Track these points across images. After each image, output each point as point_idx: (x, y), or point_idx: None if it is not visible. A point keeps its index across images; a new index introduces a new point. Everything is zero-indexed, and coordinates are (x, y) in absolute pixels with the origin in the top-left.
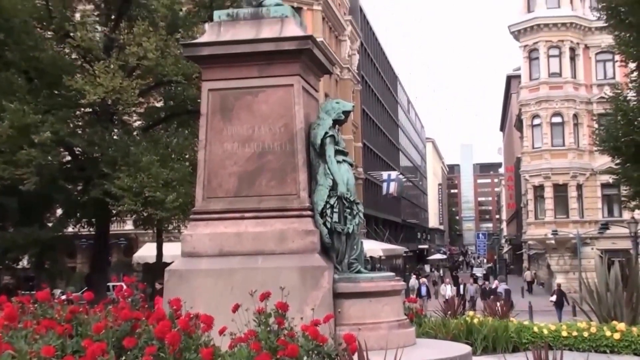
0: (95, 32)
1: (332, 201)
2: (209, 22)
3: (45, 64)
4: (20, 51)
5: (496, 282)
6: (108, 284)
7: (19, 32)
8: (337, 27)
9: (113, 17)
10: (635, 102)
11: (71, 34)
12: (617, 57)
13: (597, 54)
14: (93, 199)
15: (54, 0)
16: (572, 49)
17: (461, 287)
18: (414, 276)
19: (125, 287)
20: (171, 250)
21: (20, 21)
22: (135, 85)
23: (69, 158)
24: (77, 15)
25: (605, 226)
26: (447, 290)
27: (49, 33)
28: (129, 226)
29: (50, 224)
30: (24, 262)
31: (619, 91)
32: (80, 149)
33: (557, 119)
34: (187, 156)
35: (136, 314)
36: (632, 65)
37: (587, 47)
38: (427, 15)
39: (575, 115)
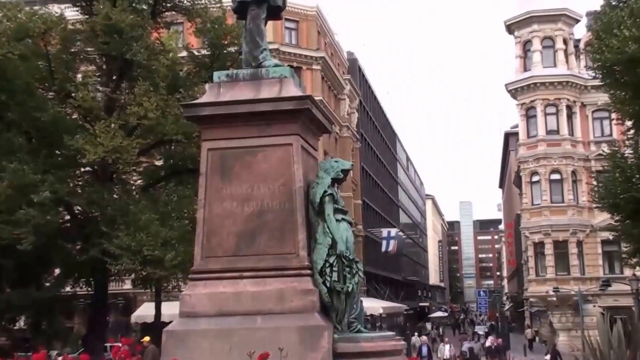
0: (97, 93)
1: (331, 260)
2: (209, 83)
3: (46, 124)
4: (21, 112)
5: (491, 338)
6: (105, 344)
7: (21, 93)
8: (336, 86)
9: (114, 77)
10: (632, 160)
11: (72, 95)
12: (613, 115)
13: (593, 111)
14: (91, 259)
15: (57, 62)
16: (568, 107)
17: (464, 344)
18: (416, 334)
19: (122, 347)
20: (170, 309)
21: (22, 83)
22: (135, 144)
23: (67, 217)
24: (79, 76)
25: (606, 283)
26: (446, 350)
27: (51, 94)
28: (127, 285)
29: (47, 284)
30: (21, 323)
31: (616, 149)
32: (79, 208)
33: (556, 176)
34: (186, 214)
35: None
36: (629, 123)
37: (583, 105)
38: (425, 73)
39: (573, 172)
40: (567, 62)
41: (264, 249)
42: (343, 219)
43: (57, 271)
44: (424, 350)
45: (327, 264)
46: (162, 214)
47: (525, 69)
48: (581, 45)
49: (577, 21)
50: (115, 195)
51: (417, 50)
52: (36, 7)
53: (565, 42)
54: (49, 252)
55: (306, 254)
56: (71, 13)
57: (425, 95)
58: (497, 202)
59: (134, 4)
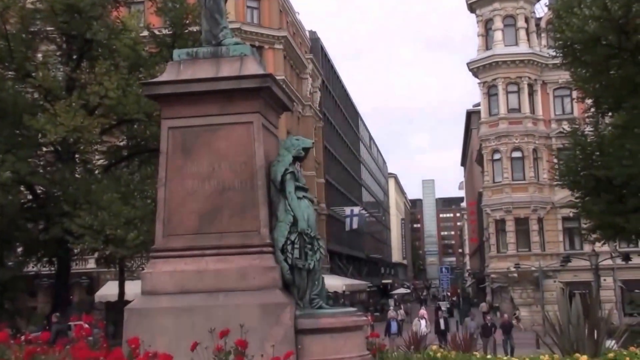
0: (57, 72)
1: (292, 237)
2: (171, 61)
3: (6, 103)
4: None
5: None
6: (69, 323)
7: None
8: (299, 65)
9: (75, 57)
10: (593, 138)
11: (32, 74)
12: (574, 93)
13: (554, 89)
14: (54, 238)
15: (16, 41)
16: (530, 85)
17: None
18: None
19: (85, 326)
20: (134, 288)
21: None
22: (96, 124)
23: (30, 197)
24: (39, 55)
25: (566, 259)
26: (422, 325)
27: (10, 73)
28: (91, 265)
29: (10, 263)
30: None
31: (577, 126)
32: (41, 188)
33: (517, 154)
34: (149, 194)
35: (94, 354)
36: (589, 101)
37: (544, 83)
38: (389, 51)
39: (534, 150)
40: (528, 40)
41: (226, 227)
42: (304, 196)
43: (19, 250)
44: (394, 326)
45: (289, 242)
46: (124, 193)
47: (487, 47)
48: (542, 23)
49: None
50: (77, 175)
51: (379, 28)
52: None
53: (526, 20)
54: (10, 232)
55: (268, 232)
56: None
57: (388, 73)
58: (460, 180)
59: None
